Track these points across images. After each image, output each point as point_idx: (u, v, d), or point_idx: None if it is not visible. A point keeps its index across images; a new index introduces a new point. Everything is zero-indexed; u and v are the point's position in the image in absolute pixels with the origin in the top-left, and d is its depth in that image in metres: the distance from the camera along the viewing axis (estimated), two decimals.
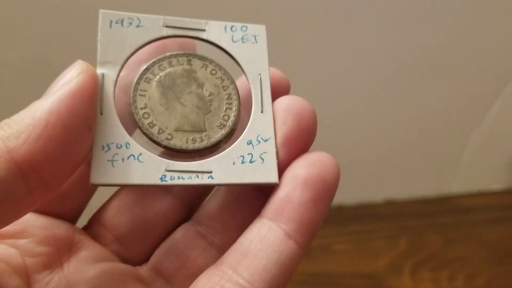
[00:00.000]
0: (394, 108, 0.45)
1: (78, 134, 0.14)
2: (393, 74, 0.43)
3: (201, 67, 0.18)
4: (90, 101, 0.14)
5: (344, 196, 0.50)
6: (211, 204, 0.18)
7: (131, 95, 0.17)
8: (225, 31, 0.18)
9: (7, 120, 0.13)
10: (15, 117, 0.13)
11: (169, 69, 0.17)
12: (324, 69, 0.41)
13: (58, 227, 0.17)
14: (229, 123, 0.17)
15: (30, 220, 0.16)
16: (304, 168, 0.16)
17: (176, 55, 0.18)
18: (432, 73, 0.43)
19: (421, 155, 0.49)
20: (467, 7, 0.39)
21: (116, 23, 0.17)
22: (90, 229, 0.18)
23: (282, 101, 0.17)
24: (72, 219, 0.18)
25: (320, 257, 0.45)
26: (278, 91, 0.18)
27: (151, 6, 0.33)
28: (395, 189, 0.51)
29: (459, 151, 0.50)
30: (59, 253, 0.16)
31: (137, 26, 0.17)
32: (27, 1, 0.33)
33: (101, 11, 0.17)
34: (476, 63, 0.43)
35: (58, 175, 0.14)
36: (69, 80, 0.14)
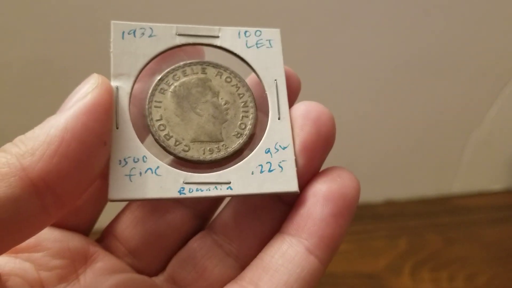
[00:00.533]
0: (394, 108, 0.45)
1: (93, 150, 0.14)
2: (393, 74, 0.43)
3: (216, 75, 0.17)
4: (105, 116, 0.14)
5: None
6: (227, 213, 0.18)
7: (146, 107, 0.16)
8: (239, 37, 0.18)
9: (21, 137, 0.13)
10: (29, 134, 0.13)
11: (183, 79, 0.17)
12: (324, 69, 0.41)
13: (72, 240, 0.17)
14: (246, 131, 0.17)
15: (44, 234, 0.16)
16: (324, 183, 0.16)
17: (190, 64, 0.17)
18: (432, 73, 0.43)
19: (421, 155, 0.49)
20: (467, 7, 0.39)
21: (129, 34, 0.17)
22: (103, 241, 0.18)
23: (300, 107, 0.17)
24: (85, 231, 0.18)
25: None
26: (289, 90, 0.18)
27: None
28: (395, 189, 0.51)
29: (459, 151, 0.50)
30: (75, 265, 0.16)
31: (150, 36, 0.17)
32: (27, 1, 0.33)
33: (112, 22, 0.17)
34: (476, 63, 0.43)
35: (73, 191, 0.14)
36: (84, 95, 0.14)
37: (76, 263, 0.16)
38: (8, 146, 0.13)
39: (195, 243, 0.18)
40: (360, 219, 0.49)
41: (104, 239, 0.18)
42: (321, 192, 0.16)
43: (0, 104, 0.36)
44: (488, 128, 0.48)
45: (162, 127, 0.16)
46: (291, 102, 0.17)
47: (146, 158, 0.15)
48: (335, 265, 0.44)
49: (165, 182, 0.15)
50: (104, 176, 0.15)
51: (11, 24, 0.33)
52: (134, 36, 0.17)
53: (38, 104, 0.36)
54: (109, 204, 0.18)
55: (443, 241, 0.47)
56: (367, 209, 0.50)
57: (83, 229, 0.18)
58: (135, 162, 0.15)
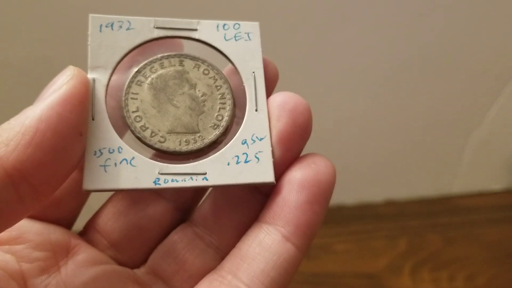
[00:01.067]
0: (394, 108, 0.45)
1: (69, 140, 0.14)
2: (393, 74, 0.43)
3: (194, 68, 0.18)
4: (81, 107, 0.14)
5: (344, 196, 0.50)
6: (206, 205, 0.18)
7: (123, 98, 0.17)
8: (218, 30, 0.18)
9: None
10: (5, 125, 0.13)
11: (160, 71, 0.17)
12: (324, 69, 0.41)
13: (53, 232, 0.17)
14: (223, 123, 0.17)
15: (26, 226, 0.16)
16: (298, 170, 0.16)
17: (167, 57, 0.17)
18: (432, 73, 0.43)
19: (421, 155, 0.49)
20: (466, 6, 0.39)
21: (106, 26, 0.17)
22: (85, 235, 0.18)
23: (276, 98, 0.17)
24: (67, 224, 0.18)
25: (320, 257, 0.45)
26: (267, 80, 0.18)
27: (147, 9, 0.33)
28: (395, 189, 0.51)
29: (459, 151, 0.50)
30: (56, 257, 0.16)
31: (128, 29, 0.17)
32: (28, 1, 0.33)
33: (90, 15, 0.17)
34: (476, 63, 0.43)
35: (49, 182, 0.14)
36: (59, 86, 0.14)
37: (58, 255, 0.16)
38: None
39: (175, 235, 0.18)
40: (360, 219, 0.49)
41: (86, 233, 0.18)
42: (296, 180, 0.16)
43: (0, 104, 0.36)
44: (488, 128, 0.48)
45: (138, 119, 0.16)
46: (269, 91, 0.18)
47: (121, 149, 0.15)
48: (335, 265, 0.44)
49: (140, 172, 0.15)
50: (82, 168, 0.15)
51: (11, 24, 0.33)
52: (112, 29, 0.17)
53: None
54: (92, 198, 0.18)
55: (443, 241, 0.47)
56: (367, 209, 0.50)
57: (65, 222, 0.18)
58: (110, 153, 0.15)
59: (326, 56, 0.40)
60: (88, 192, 0.15)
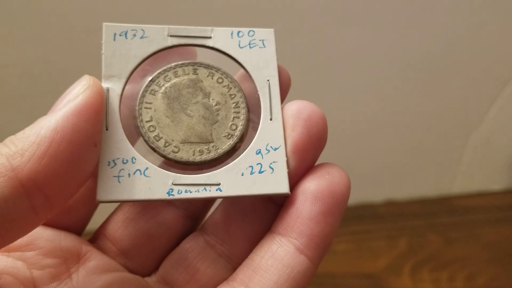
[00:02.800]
0: (394, 108, 0.45)
1: (83, 151, 0.14)
2: (393, 75, 0.43)
3: (207, 76, 0.17)
4: (96, 117, 0.14)
5: None
6: (218, 214, 0.18)
7: (137, 108, 0.16)
8: (232, 37, 0.17)
9: (12, 137, 0.13)
10: (19, 134, 0.13)
11: (174, 80, 0.17)
12: (325, 70, 0.41)
13: (64, 239, 0.16)
14: (237, 132, 0.17)
15: (37, 233, 0.16)
16: (313, 181, 0.16)
17: (181, 65, 0.17)
18: (432, 73, 0.43)
19: (421, 155, 0.49)
20: (467, 7, 0.39)
21: (120, 35, 0.17)
22: (95, 242, 0.18)
23: (291, 106, 0.16)
24: (77, 231, 0.18)
25: None
26: (280, 86, 0.17)
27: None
28: (395, 189, 0.51)
29: (459, 151, 0.50)
30: (67, 264, 0.16)
31: (141, 38, 0.17)
32: (28, 1, 0.33)
33: (104, 24, 0.17)
34: (476, 63, 0.43)
35: (63, 192, 0.14)
36: (75, 96, 0.14)
37: (69, 262, 0.16)
38: None
39: (187, 244, 0.18)
40: (360, 219, 0.49)
41: (96, 240, 0.18)
42: (310, 190, 0.15)
43: (0, 104, 0.36)
44: (488, 128, 0.48)
45: (152, 128, 0.16)
46: (282, 98, 0.17)
47: (135, 159, 0.15)
48: (335, 265, 0.44)
49: (153, 183, 0.15)
50: (95, 177, 0.15)
51: (11, 24, 0.33)
52: (126, 37, 0.17)
53: (38, 104, 0.36)
54: (102, 205, 0.18)
55: (443, 241, 0.47)
56: (367, 209, 0.50)
57: (76, 229, 0.18)
58: (124, 163, 0.15)
59: (327, 58, 0.40)
60: (104, 203, 0.15)
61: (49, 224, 0.17)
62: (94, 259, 0.17)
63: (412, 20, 0.39)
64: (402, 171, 0.50)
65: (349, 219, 0.49)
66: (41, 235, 0.16)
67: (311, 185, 0.16)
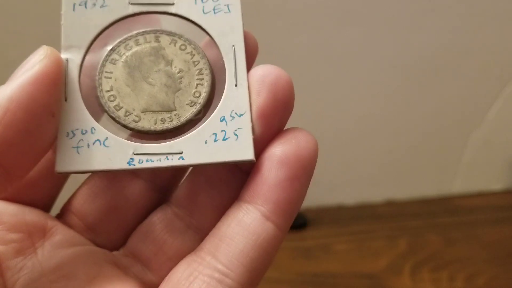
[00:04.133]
0: (394, 108, 0.45)
1: (41, 120, 0.14)
2: (394, 74, 0.43)
3: (170, 43, 0.17)
4: (53, 87, 0.14)
5: (344, 196, 0.50)
6: (185, 185, 0.18)
7: (97, 78, 0.16)
8: (195, 3, 0.17)
9: None
10: None
11: (135, 48, 0.17)
12: (326, 70, 0.41)
13: (29, 214, 0.16)
14: (200, 100, 0.16)
15: (0, 208, 0.16)
16: (278, 146, 0.15)
17: (143, 33, 0.17)
18: (433, 73, 0.43)
19: (421, 155, 0.49)
20: (467, 7, 0.39)
21: (80, 5, 0.16)
22: (62, 218, 0.18)
23: (257, 71, 0.16)
24: (44, 207, 0.17)
25: (320, 257, 0.45)
26: (246, 53, 0.17)
27: None
28: (395, 189, 0.51)
29: (459, 151, 0.50)
30: (32, 239, 0.16)
31: (101, 7, 0.16)
32: (28, 1, 0.33)
33: None
34: (476, 63, 0.43)
35: (21, 163, 0.14)
36: (31, 66, 0.14)
37: (34, 236, 0.16)
38: None
39: (155, 217, 0.17)
40: (360, 219, 0.49)
41: (63, 215, 0.18)
42: (276, 156, 0.15)
43: None
44: (488, 128, 0.48)
45: (112, 98, 0.16)
46: (249, 66, 0.17)
47: (94, 129, 0.15)
48: (335, 265, 0.44)
49: (113, 153, 0.15)
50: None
51: (11, 24, 0.33)
52: (86, 7, 0.16)
53: None
54: (72, 181, 0.18)
55: (443, 241, 0.47)
56: (367, 209, 0.50)
57: (42, 204, 0.17)
58: (83, 134, 0.15)
59: (327, 57, 0.40)
60: (63, 174, 0.15)
61: (13, 200, 0.16)
62: (60, 233, 0.16)
63: (412, 20, 0.39)
64: (402, 171, 0.50)
65: (349, 219, 0.49)
66: (5, 210, 0.16)
67: (276, 151, 0.15)
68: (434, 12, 0.39)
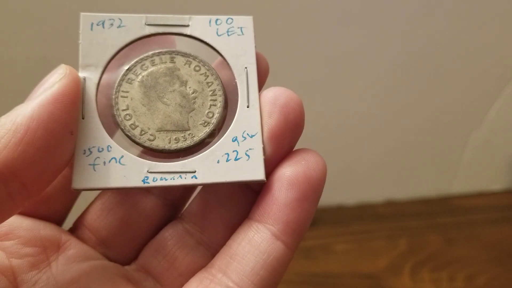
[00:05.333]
0: (394, 108, 0.45)
1: (59, 139, 0.14)
2: (394, 75, 0.43)
3: (185, 64, 0.17)
4: (72, 106, 0.14)
5: (344, 196, 0.50)
6: (197, 201, 0.18)
7: (113, 96, 0.16)
8: (210, 25, 0.17)
9: None
10: None
11: (151, 68, 0.17)
12: (325, 70, 0.41)
13: (44, 228, 0.17)
14: (213, 120, 0.17)
15: (15, 222, 0.16)
16: (288, 167, 0.16)
17: (158, 54, 0.17)
18: (432, 73, 0.43)
19: (421, 155, 0.49)
20: (467, 7, 0.39)
21: (97, 25, 0.17)
22: (75, 232, 0.18)
23: (268, 93, 0.16)
24: (58, 221, 0.18)
25: (320, 257, 0.45)
26: (259, 74, 0.17)
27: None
28: (395, 189, 0.51)
29: (459, 151, 0.50)
30: (46, 253, 0.16)
31: (119, 27, 0.17)
32: (28, 1, 0.33)
33: (81, 14, 0.17)
34: (476, 63, 0.43)
35: (39, 180, 0.14)
36: (51, 85, 0.14)
37: (48, 251, 0.16)
38: None
39: (166, 232, 0.18)
40: (360, 219, 0.49)
41: (76, 230, 0.18)
42: (286, 177, 0.15)
43: (0, 104, 0.36)
44: (488, 128, 0.48)
45: (128, 117, 0.16)
46: (260, 86, 0.17)
47: (110, 147, 0.15)
48: (335, 265, 0.44)
49: (129, 171, 0.15)
50: (72, 166, 0.15)
51: (11, 24, 0.33)
52: (103, 27, 0.17)
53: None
54: (84, 195, 0.18)
55: (443, 241, 0.47)
56: (367, 209, 0.50)
57: (56, 218, 0.18)
58: (100, 151, 0.15)
59: (327, 57, 0.40)
60: (79, 191, 0.15)
61: (29, 214, 0.17)
62: (74, 248, 0.17)
63: (412, 20, 0.39)
64: (402, 171, 0.50)
65: (349, 219, 0.49)
66: (20, 224, 0.16)
67: (286, 171, 0.16)
68: (434, 12, 0.39)
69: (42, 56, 0.34)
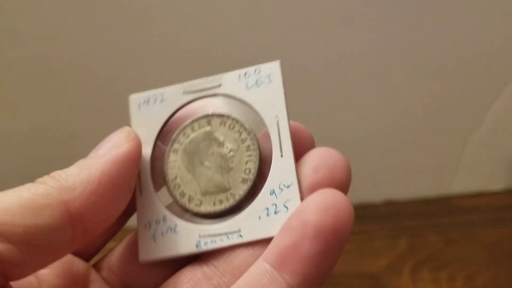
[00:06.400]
0: (394, 108, 0.45)
1: (122, 194, 0.16)
2: (393, 74, 0.43)
3: (220, 125, 0.18)
4: (135, 167, 0.16)
5: None
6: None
7: (164, 168, 0.18)
8: (239, 80, 0.18)
9: (60, 172, 0.15)
10: (69, 171, 0.15)
11: (192, 135, 0.18)
12: (325, 68, 0.41)
13: (77, 264, 0.17)
14: (251, 176, 0.17)
15: None
16: (316, 215, 0.14)
17: (197, 119, 0.18)
18: (432, 72, 0.43)
19: (421, 155, 0.49)
20: (467, 7, 0.39)
21: (144, 103, 0.18)
22: (100, 271, 0.18)
23: (317, 151, 0.16)
24: (87, 258, 0.19)
25: None
26: (302, 145, 0.17)
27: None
28: (395, 189, 0.51)
29: (459, 151, 0.50)
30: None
31: (161, 101, 0.18)
32: (28, 1, 0.33)
33: (131, 96, 0.18)
34: (477, 63, 0.43)
35: (99, 227, 0.15)
36: (119, 144, 0.16)
37: (76, 286, 0.17)
38: (47, 179, 0.15)
39: (183, 275, 0.17)
40: (360, 219, 0.49)
41: (101, 270, 0.18)
42: (312, 225, 0.14)
43: (1, 103, 0.36)
44: (488, 128, 0.48)
45: (177, 186, 0.18)
46: (302, 152, 0.17)
47: (166, 218, 0.17)
48: (335, 265, 0.44)
49: (183, 238, 0.17)
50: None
51: (11, 24, 0.33)
52: (148, 104, 0.18)
53: (38, 103, 0.36)
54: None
55: (443, 241, 0.47)
56: (367, 209, 0.50)
57: (86, 256, 0.18)
58: (157, 223, 0.17)
59: (327, 57, 0.40)
60: (145, 263, 0.17)
61: None
62: None
63: (412, 20, 0.39)
64: (402, 171, 0.50)
65: None
66: None
67: (313, 219, 0.14)
68: (434, 12, 0.39)
69: (42, 56, 0.34)
